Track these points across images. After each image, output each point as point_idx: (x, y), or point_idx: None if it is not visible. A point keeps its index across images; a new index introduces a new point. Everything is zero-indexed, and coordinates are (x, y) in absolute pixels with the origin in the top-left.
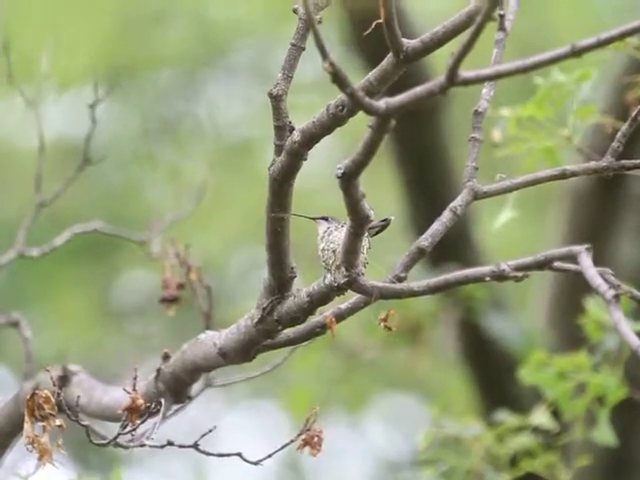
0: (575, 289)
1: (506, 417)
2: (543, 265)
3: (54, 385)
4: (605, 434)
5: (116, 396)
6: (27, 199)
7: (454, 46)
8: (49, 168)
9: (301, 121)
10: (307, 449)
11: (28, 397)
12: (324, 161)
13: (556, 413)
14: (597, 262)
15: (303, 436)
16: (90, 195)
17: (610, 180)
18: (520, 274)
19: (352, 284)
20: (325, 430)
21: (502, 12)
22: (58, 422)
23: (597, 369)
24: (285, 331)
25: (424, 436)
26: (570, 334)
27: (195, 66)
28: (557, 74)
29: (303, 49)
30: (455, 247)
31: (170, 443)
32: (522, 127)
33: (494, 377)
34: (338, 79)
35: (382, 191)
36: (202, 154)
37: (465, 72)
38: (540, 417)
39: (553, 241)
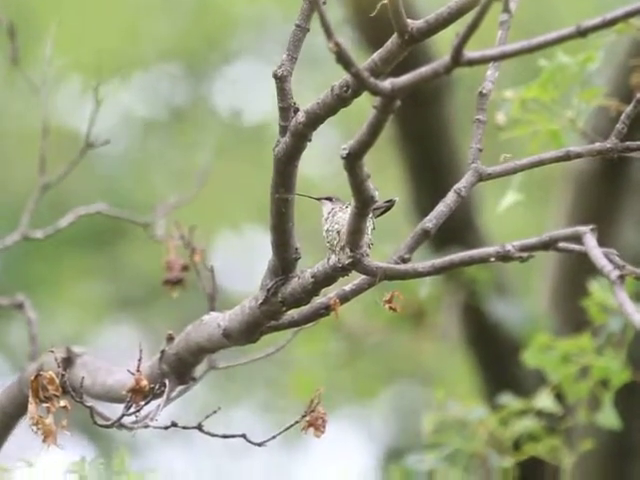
0: (578, 272)
1: (510, 400)
2: (548, 245)
3: (58, 366)
4: (609, 417)
5: (120, 378)
6: (31, 181)
7: (458, 27)
8: (54, 151)
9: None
10: (311, 430)
11: (32, 378)
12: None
13: (560, 396)
14: (600, 245)
15: (307, 418)
16: (95, 180)
17: (613, 164)
18: (525, 254)
19: (356, 265)
20: (328, 415)
21: None
22: (62, 403)
23: (601, 352)
24: (289, 312)
25: (428, 420)
26: (573, 317)
27: (201, 53)
28: (562, 56)
29: (308, 30)
30: (458, 231)
31: (174, 424)
32: (526, 109)
33: (497, 360)
34: (343, 59)
35: (386, 174)
36: (208, 138)
37: (470, 52)
38: (544, 400)
39: (556, 225)
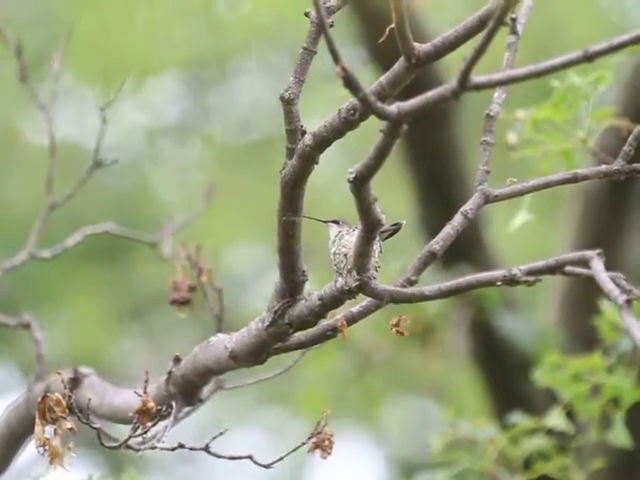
0: (587, 289)
1: (520, 419)
2: (555, 269)
3: (65, 387)
4: (620, 436)
5: (127, 398)
6: (40, 199)
7: (466, 50)
8: (62, 168)
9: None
10: (318, 452)
11: (39, 400)
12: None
13: (570, 415)
14: (608, 263)
15: (314, 439)
16: (106, 196)
17: (621, 182)
18: (532, 279)
19: (363, 288)
20: (337, 432)
21: (514, 16)
22: (69, 425)
23: (612, 371)
24: (296, 334)
25: (438, 438)
26: (582, 333)
27: (207, 66)
28: (573, 76)
29: (315, 53)
30: (466, 248)
31: (181, 446)
32: (538, 129)
33: (506, 377)
34: (350, 84)
35: (393, 193)
36: (214, 155)
37: (477, 77)
38: (555, 419)
39: (564, 242)
